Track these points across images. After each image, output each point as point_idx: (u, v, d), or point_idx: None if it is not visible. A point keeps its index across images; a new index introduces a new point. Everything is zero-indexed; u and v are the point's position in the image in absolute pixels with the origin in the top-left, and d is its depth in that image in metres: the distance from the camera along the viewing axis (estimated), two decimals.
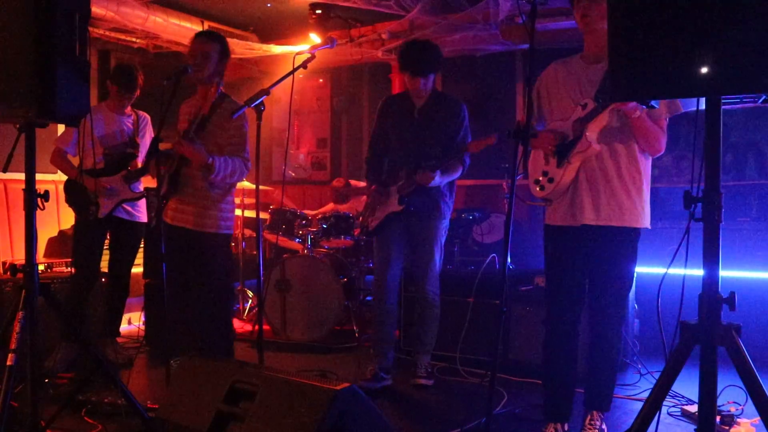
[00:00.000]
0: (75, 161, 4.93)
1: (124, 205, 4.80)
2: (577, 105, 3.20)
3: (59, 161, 4.82)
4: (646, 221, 3.25)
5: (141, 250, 5.65)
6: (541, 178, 3.31)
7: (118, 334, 4.98)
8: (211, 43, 3.92)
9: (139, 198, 4.87)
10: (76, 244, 4.79)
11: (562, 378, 3.33)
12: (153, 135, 5.06)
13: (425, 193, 4.30)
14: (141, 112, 5.04)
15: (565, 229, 3.26)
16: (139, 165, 4.88)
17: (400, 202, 4.32)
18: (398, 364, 4.71)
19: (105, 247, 4.97)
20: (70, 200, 4.80)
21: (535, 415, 3.72)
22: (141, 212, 4.96)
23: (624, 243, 3.22)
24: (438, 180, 4.22)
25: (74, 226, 4.86)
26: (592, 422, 3.33)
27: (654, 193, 5.76)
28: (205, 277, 3.94)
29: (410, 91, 4.43)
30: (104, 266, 4.93)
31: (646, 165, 3.27)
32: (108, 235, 4.92)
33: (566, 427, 3.36)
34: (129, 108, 4.92)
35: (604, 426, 3.35)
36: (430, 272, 4.37)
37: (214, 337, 3.96)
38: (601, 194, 3.19)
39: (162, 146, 3.78)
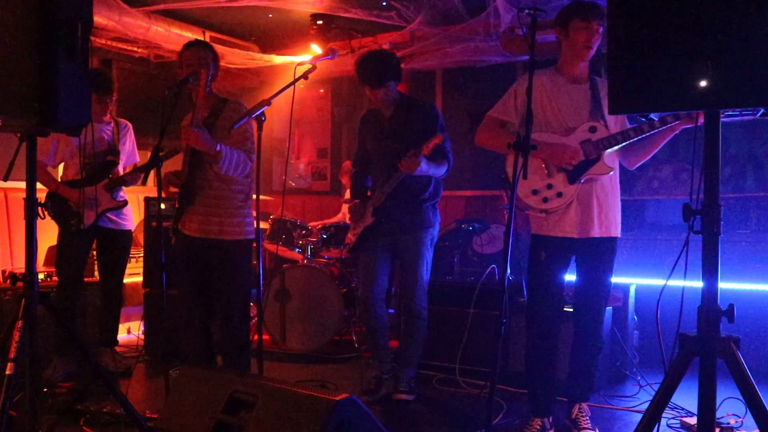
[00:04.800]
0: (54, 172, 4.90)
1: (109, 214, 4.76)
2: (583, 124, 3.40)
3: (39, 174, 4.57)
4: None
5: (142, 259, 5.66)
6: (543, 190, 3.42)
7: (116, 342, 4.97)
8: (203, 49, 3.96)
9: (122, 206, 4.82)
10: (60, 254, 4.75)
11: (545, 380, 3.60)
12: (134, 141, 5.03)
13: (406, 202, 4.17)
14: (121, 120, 5.01)
15: (569, 240, 3.46)
16: (121, 172, 4.85)
17: (372, 214, 4.21)
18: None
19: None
20: (53, 213, 4.73)
21: None
22: (127, 220, 4.93)
23: (613, 251, 3.55)
24: (425, 167, 3.96)
25: (58, 237, 4.79)
26: (582, 412, 3.61)
27: (653, 205, 5.80)
28: (235, 284, 3.87)
29: (377, 104, 4.30)
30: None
31: (618, 179, 3.60)
32: (95, 244, 4.89)
33: (551, 420, 3.61)
34: (108, 116, 4.89)
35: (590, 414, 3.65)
36: (416, 288, 4.20)
37: (237, 346, 3.91)
38: (603, 208, 3.48)
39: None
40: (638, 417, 2.65)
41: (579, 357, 3.62)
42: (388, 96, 4.18)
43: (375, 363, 4.44)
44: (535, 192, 3.41)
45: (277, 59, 7.01)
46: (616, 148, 3.35)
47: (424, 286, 4.25)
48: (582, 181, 3.37)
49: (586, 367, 3.62)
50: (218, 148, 3.67)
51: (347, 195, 6.84)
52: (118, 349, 5.00)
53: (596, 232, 3.46)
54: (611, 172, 3.42)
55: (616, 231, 3.54)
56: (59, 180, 4.80)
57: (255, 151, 3.87)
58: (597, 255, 3.51)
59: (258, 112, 3.43)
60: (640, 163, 3.56)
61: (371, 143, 4.36)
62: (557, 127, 3.44)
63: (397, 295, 4.37)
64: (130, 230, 4.97)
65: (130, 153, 5.03)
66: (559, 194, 3.38)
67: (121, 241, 4.92)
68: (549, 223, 3.47)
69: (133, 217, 5.01)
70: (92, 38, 2.93)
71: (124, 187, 4.87)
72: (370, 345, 4.46)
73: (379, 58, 4.17)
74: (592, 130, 3.37)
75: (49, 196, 4.71)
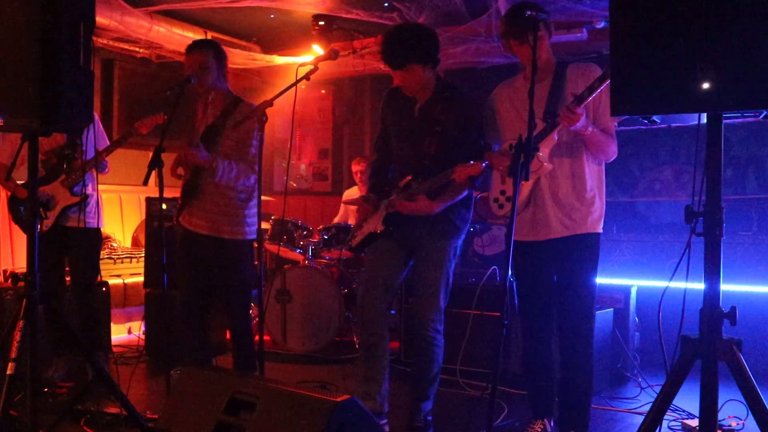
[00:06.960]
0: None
1: (70, 213, 4.39)
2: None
3: (1, 178, 4.42)
4: (600, 226, 3.41)
5: (143, 259, 5.65)
6: (499, 197, 3.48)
7: (106, 346, 4.84)
8: (205, 51, 3.90)
9: (81, 201, 4.38)
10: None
11: (543, 381, 3.54)
12: (102, 132, 4.65)
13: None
14: None
15: (529, 244, 3.37)
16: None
17: (383, 221, 3.61)
18: (398, 377, 4.69)
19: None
20: (16, 218, 4.49)
21: None
22: (92, 217, 4.56)
23: (586, 249, 3.37)
24: (424, 209, 3.45)
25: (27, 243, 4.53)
26: None
27: (655, 206, 5.79)
28: (235, 284, 3.91)
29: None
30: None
31: (596, 171, 3.42)
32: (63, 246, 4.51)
33: (552, 421, 3.56)
34: None
35: None
36: (432, 306, 3.55)
37: (242, 343, 3.96)
38: (559, 207, 3.34)
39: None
40: (639, 419, 2.65)
41: (565, 377, 3.43)
42: (409, 81, 3.49)
43: (362, 397, 3.55)
44: (495, 200, 3.51)
45: (279, 60, 7.02)
46: (550, 140, 3.24)
47: (441, 306, 3.59)
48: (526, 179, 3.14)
49: (569, 390, 3.41)
50: (215, 163, 3.72)
51: (344, 196, 6.83)
52: (118, 350, 4.97)
53: (557, 233, 3.33)
54: (544, 168, 3.26)
55: (587, 227, 3.34)
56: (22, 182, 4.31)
57: (255, 163, 3.88)
58: (568, 255, 3.35)
59: (259, 113, 3.43)
60: (604, 156, 3.36)
61: (394, 129, 3.70)
62: (516, 132, 3.25)
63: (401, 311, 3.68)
64: (97, 228, 4.66)
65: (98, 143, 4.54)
66: (509, 198, 3.38)
67: (87, 239, 4.56)
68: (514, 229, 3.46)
69: (101, 214, 4.69)
70: (94, 38, 2.93)
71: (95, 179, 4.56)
72: (360, 371, 3.71)
73: (405, 34, 3.48)
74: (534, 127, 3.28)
75: (11, 199, 4.54)
